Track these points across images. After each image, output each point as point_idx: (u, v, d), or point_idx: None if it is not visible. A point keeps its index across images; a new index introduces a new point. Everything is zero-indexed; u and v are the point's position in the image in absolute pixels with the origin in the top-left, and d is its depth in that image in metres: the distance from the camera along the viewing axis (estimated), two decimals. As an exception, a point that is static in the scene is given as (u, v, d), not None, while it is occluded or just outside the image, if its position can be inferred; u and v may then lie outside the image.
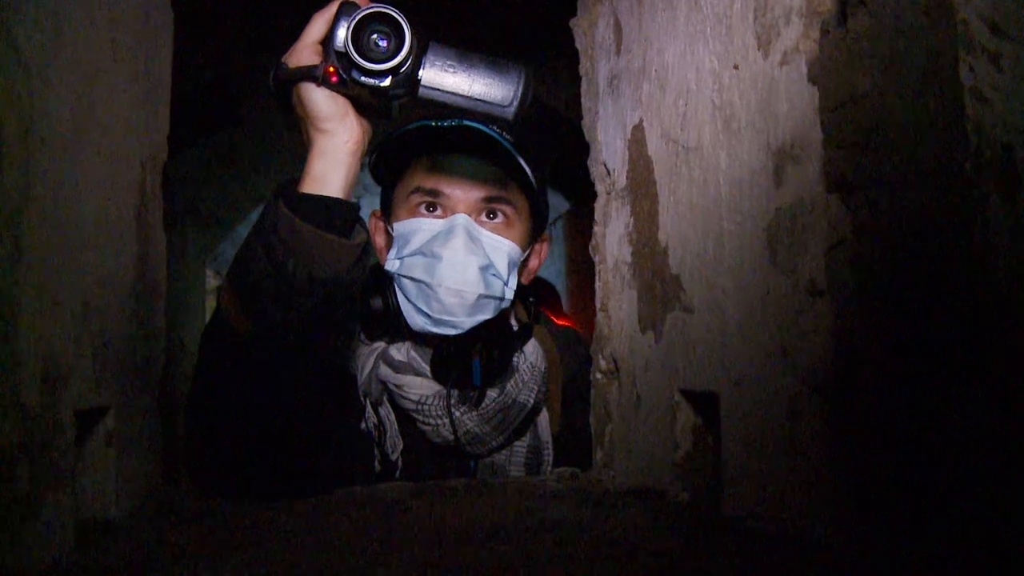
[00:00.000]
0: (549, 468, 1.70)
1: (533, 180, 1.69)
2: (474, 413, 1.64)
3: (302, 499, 1.25)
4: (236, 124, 5.17)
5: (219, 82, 4.65)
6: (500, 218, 1.70)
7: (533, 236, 1.79)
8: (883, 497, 0.77)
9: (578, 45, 1.54)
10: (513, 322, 1.81)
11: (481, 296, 1.63)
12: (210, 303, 8.62)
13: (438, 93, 1.32)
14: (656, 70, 1.21)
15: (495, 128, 1.64)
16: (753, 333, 0.95)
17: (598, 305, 1.45)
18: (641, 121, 1.26)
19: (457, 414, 1.63)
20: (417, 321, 1.64)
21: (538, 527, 1.07)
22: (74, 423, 0.93)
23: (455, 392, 1.65)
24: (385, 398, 1.69)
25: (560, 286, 6.18)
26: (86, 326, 0.97)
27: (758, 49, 0.93)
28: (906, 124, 0.74)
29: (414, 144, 1.70)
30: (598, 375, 1.45)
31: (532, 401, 1.69)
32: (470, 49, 1.34)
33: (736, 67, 0.98)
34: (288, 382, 1.32)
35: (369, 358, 1.69)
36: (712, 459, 1.13)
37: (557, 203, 5.79)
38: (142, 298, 1.20)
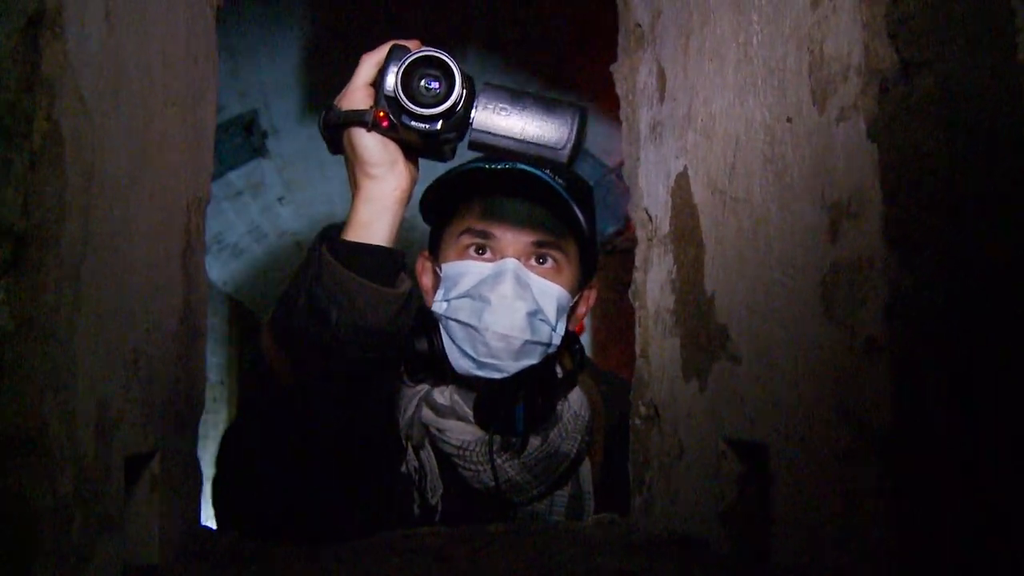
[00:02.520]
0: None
1: (584, 225, 1.66)
2: (516, 461, 1.62)
3: (342, 544, 1.25)
4: (262, 157, 5.22)
5: (246, 115, 4.69)
6: (550, 263, 1.69)
7: (582, 282, 1.76)
8: (945, 555, 0.76)
9: (618, 91, 1.54)
10: (557, 369, 1.78)
11: (528, 342, 1.60)
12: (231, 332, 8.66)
13: (490, 136, 1.31)
14: (702, 119, 1.21)
15: (547, 172, 1.62)
16: (806, 386, 0.95)
17: (638, 351, 1.45)
18: (686, 169, 1.26)
19: (499, 461, 1.61)
20: (462, 364, 1.62)
21: (583, 578, 1.07)
22: (123, 470, 0.93)
23: (497, 439, 1.62)
24: (426, 441, 1.67)
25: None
26: (135, 372, 0.97)
27: (813, 104, 0.93)
28: (971, 183, 0.74)
29: (466, 186, 1.69)
30: (637, 421, 1.44)
31: (575, 451, 1.67)
32: (522, 90, 1.33)
33: (789, 121, 0.98)
34: (328, 429, 1.32)
35: (412, 400, 1.67)
36: (758, 509, 1.12)
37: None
38: (185, 341, 1.20)
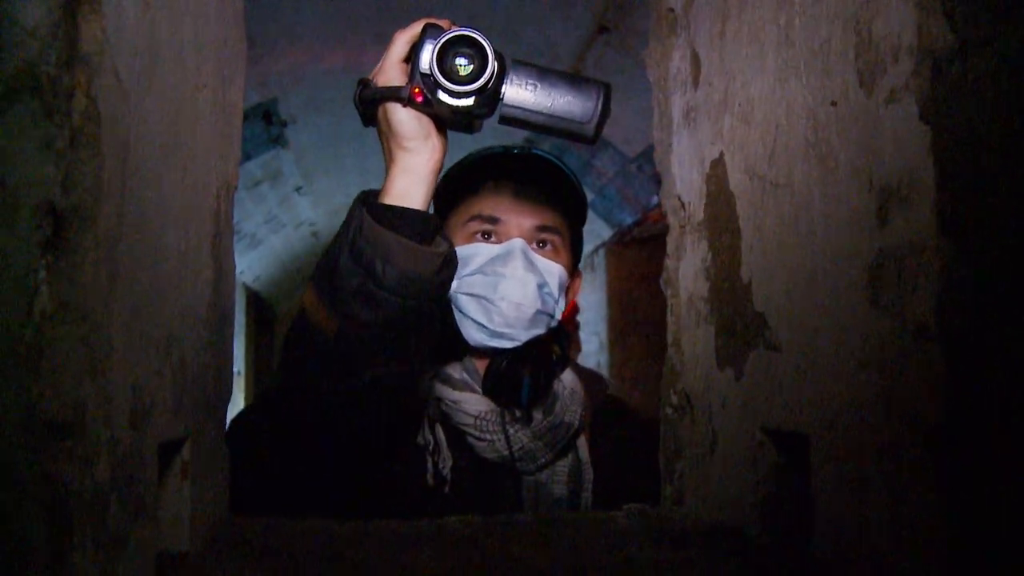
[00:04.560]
0: (590, 487, 1.79)
1: (582, 206, 1.87)
2: (527, 430, 1.73)
3: (372, 534, 1.23)
4: (280, 146, 5.21)
5: (265, 104, 4.68)
6: (549, 247, 1.82)
7: (571, 269, 1.88)
8: (999, 553, 0.74)
9: (650, 76, 1.52)
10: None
11: (538, 311, 1.73)
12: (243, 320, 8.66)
13: (519, 111, 1.38)
14: (740, 104, 1.19)
15: (555, 156, 1.79)
16: (850, 375, 0.93)
17: (669, 340, 1.43)
18: (721, 155, 1.24)
19: (511, 431, 1.72)
20: (475, 336, 1.74)
21: (621, 568, 1.05)
22: (156, 457, 0.92)
23: (508, 410, 1.74)
24: (437, 415, 1.77)
25: (601, 316, 6.16)
26: (168, 357, 0.96)
27: (860, 86, 0.91)
28: (1030, 167, 0.72)
29: (472, 175, 1.84)
30: (668, 410, 1.42)
31: (576, 421, 1.79)
32: (549, 67, 1.39)
33: (834, 104, 0.96)
34: (372, 380, 1.42)
35: (423, 379, 1.75)
36: (797, 500, 1.10)
37: (598, 229, 5.78)
38: (215, 327, 1.19)
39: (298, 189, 6.21)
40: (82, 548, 0.71)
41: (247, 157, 4.97)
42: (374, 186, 1.49)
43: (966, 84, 0.77)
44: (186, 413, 1.04)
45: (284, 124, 4.93)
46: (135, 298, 0.84)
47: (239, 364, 7.91)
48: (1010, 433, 0.73)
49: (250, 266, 7.51)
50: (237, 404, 7.62)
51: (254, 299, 8.86)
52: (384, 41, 1.43)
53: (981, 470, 0.76)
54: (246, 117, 4.56)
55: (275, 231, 6.95)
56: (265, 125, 4.82)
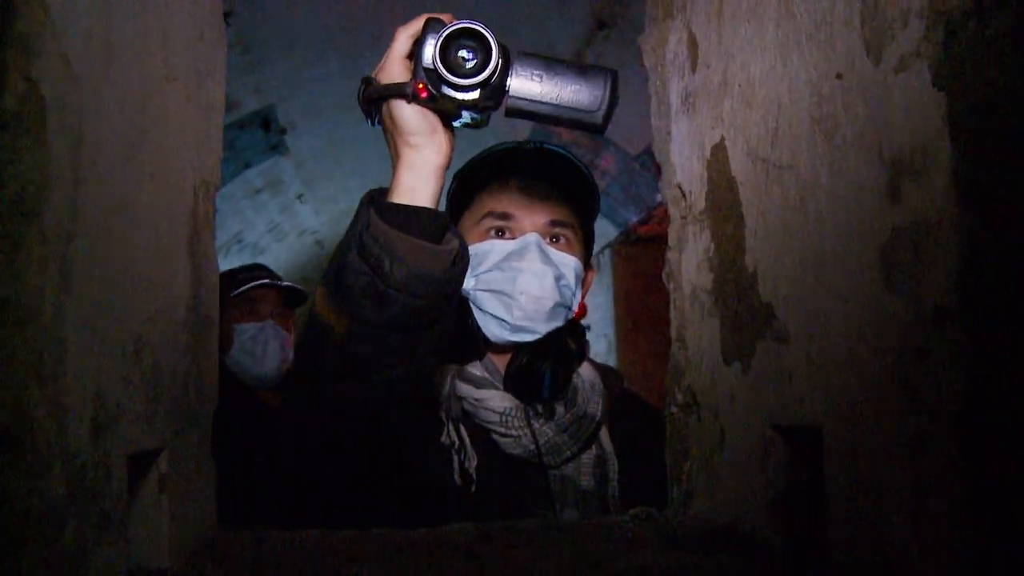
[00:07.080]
0: (616, 478, 1.76)
1: (595, 200, 1.87)
2: (552, 423, 1.73)
3: (369, 543, 1.18)
4: (280, 154, 5.16)
5: (263, 111, 4.63)
6: (562, 241, 1.81)
7: (584, 262, 1.86)
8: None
9: (646, 63, 1.46)
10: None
11: (557, 304, 1.72)
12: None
13: (526, 103, 1.34)
14: (740, 85, 1.13)
15: (567, 151, 1.77)
16: (864, 364, 0.87)
17: (673, 335, 1.37)
18: (722, 140, 1.18)
19: (536, 425, 1.71)
20: (496, 332, 1.74)
21: (623, 577, 0.99)
22: (125, 468, 0.86)
23: (531, 405, 1.74)
24: (461, 414, 1.75)
25: (608, 317, 6.10)
26: (138, 363, 0.90)
27: (867, 56, 0.85)
28: (1055, 130, 0.66)
29: (485, 172, 1.83)
30: (674, 409, 1.36)
31: (599, 413, 1.78)
32: (555, 57, 1.35)
33: (839, 76, 0.90)
34: (382, 383, 1.39)
35: (446, 377, 1.77)
36: (810, 500, 1.04)
37: (604, 229, 5.72)
38: (195, 331, 1.13)
39: (299, 197, 6.16)
40: (35, 565, 0.65)
41: (246, 166, 4.91)
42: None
43: (983, 45, 0.71)
44: (161, 422, 0.98)
45: (283, 131, 4.88)
46: (95, 299, 0.78)
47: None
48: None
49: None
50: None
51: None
52: (382, 43, 1.39)
53: (1012, 463, 0.70)
54: (244, 125, 4.51)
55: (278, 240, 6.90)
56: (264, 132, 4.77)
